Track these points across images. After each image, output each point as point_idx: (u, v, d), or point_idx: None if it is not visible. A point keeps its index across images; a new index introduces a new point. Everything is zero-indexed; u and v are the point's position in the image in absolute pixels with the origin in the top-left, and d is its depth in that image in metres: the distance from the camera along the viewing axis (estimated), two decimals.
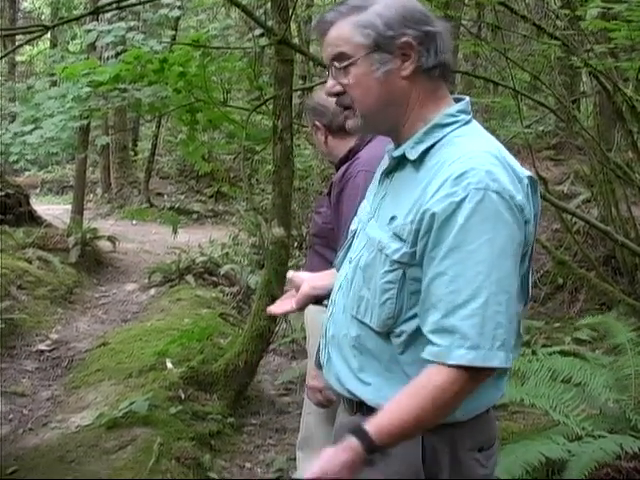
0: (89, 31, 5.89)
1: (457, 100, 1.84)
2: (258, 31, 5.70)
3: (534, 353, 4.34)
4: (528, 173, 1.75)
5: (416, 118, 1.79)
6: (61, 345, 6.49)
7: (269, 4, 5.33)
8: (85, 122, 6.19)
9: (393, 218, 1.75)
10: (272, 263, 5.03)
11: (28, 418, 4.94)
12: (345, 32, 1.76)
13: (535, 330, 6.41)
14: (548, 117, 10.80)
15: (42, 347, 6.37)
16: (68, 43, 18.50)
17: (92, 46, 8.45)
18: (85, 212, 11.34)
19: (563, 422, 3.53)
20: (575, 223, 7.91)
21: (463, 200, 1.62)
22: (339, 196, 3.03)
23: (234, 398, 5.18)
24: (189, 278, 8.37)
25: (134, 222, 13.69)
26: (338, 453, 1.63)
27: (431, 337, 1.65)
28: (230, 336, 6.15)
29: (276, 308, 2.21)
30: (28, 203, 10.12)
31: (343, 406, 1.97)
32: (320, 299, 2.11)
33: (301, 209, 10.02)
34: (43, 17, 21.35)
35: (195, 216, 14.87)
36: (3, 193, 9.33)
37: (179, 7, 6.20)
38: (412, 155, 1.77)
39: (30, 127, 5.32)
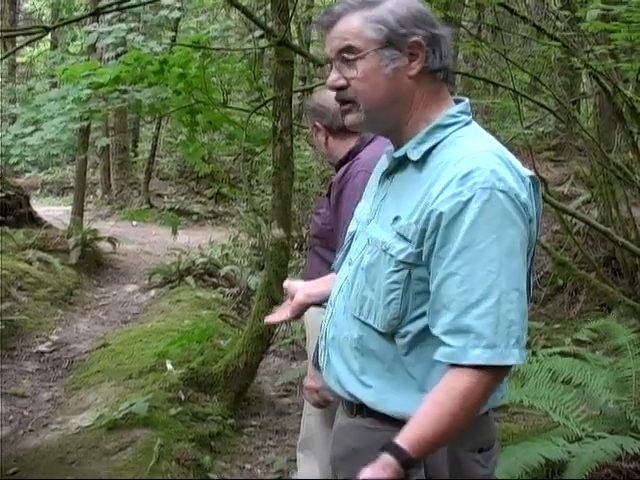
0: (89, 32, 5.89)
1: (457, 101, 1.85)
2: (258, 32, 5.70)
3: (534, 354, 4.33)
4: (530, 173, 1.76)
5: (418, 118, 1.79)
6: (61, 346, 6.49)
7: (269, 5, 5.33)
8: (85, 123, 6.19)
9: (397, 219, 1.75)
10: (272, 264, 5.03)
11: (28, 419, 4.94)
12: (355, 25, 1.76)
13: (535, 331, 6.40)
14: (548, 118, 10.81)
15: (42, 348, 6.37)
16: (68, 44, 18.48)
17: (92, 47, 8.45)
18: (85, 213, 11.35)
19: (563, 423, 3.53)
20: (575, 224, 7.91)
21: (470, 200, 1.63)
22: (338, 197, 3.03)
23: (234, 399, 5.18)
24: (189, 279, 8.37)
25: (134, 223, 13.69)
26: (378, 472, 1.59)
27: (444, 338, 1.65)
28: (230, 337, 6.15)
29: (272, 317, 2.21)
30: (28, 204, 10.12)
31: (342, 408, 1.96)
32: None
33: (301, 210, 10.03)
34: (44, 18, 21.35)
35: (195, 217, 14.87)
36: (3, 194, 9.32)
37: (179, 8, 6.22)
38: (414, 156, 1.77)
39: (30, 129, 5.32)
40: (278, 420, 5.25)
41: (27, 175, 17.31)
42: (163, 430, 4.41)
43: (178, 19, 11.50)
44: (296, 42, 10.82)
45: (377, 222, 1.83)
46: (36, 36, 5.63)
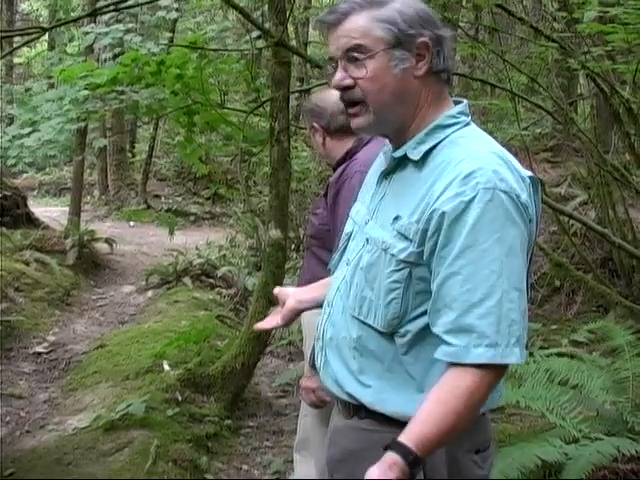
0: (87, 33, 5.89)
1: (456, 102, 1.85)
2: (255, 33, 5.70)
3: (531, 355, 4.33)
4: (529, 173, 1.77)
5: (422, 119, 1.80)
6: (58, 347, 6.48)
7: (266, 6, 5.33)
8: (83, 124, 6.19)
9: (397, 218, 1.75)
10: (269, 265, 5.03)
11: (25, 420, 4.94)
12: (363, 24, 1.75)
13: (532, 332, 6.40)
14: (545, 119, 10.83)
15: (39, 349, 6.36)
16: (66, 45, 18.47)
17: (90, 48, 8.44)
18: (82, 214, 11.33)
19: (560, 424, 3.53)
20: (572, 225, 7.91)
21: (472, 199, 1.64)
22: (335, 197, 3.03)
23: (231, 400, 5.18)
24: (186, 280, 8.37)
25: (131, 224, 13.69)
26: (386, 472, 1.58)
27: (446, 337, 1.65)
28: (227, 338, 6.14)
29: (263, 324, 2.20)
30: (25, 205, 10.12)
31: (337, 409, 1.96)
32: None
33: (298, 211, 10.02)
34: (41, 19, 21.34)
35: (192, 218, 14.86)
36: (1, 195, 9.32)
37: (177, 9, 6.20)
38: (415, 155, 1.78)
39: (28, 130, 5.32)
40: (275, 421, 5.25)
41: (24, 176, 17.29)
42: (160, 431, 4.40)
43: (176, 20, 11.48)
44: (293, 43, 10.84)
45: (376, 222, 1.83)
46: (33, 37, 5.64)
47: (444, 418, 1.61)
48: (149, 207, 15.17)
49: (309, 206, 9.64)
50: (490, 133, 1.83)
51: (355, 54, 1.75)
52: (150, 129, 16.11)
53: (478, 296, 1.63)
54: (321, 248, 3.13)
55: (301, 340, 4.17)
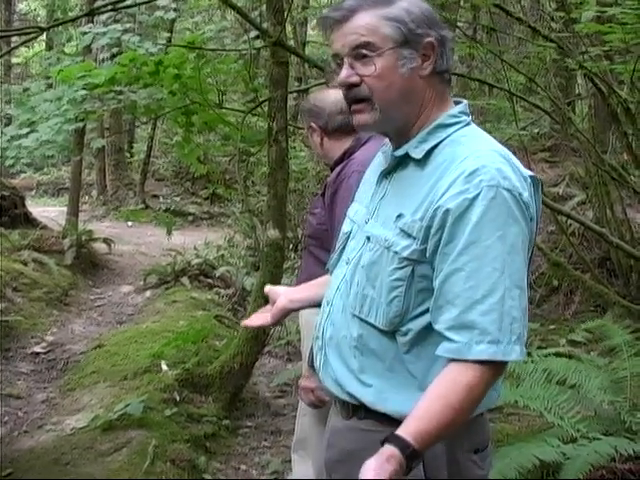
0: (85, 33, 5.89)
1: (456, 103, 1.86)
2: (253, 33, 5.70)
3: (529, 355, 4.33)
4: (530, 173, 1.78)
5: (425, 118, 1.81)
6: (56, 347, 6.48)
7: (264, 6, 5.33)
8: (81, 124, 6.19)
9: (400, 216, 1.75)
10: (267, 265, 5.03)
11: (23, 420, 4.93)
12: (372, 22, 1.74)
13: (530, 332, 6.40)
14: (543, 119, 10.82)
15: (37, 349, 6.36)
16: (64, 45, 18.47)
17: (88, 48, 8.44)
18: (80, 214, 11.33)
19: (558, 424, 3.53)
20: (570, 225, 7.91)
21: (476, 197, 1.65)
22: (333, 197, 3.03)
23: (229, 400, 5.18)
24: (184, 280, 8.36)
25: (130, 224, 13.69)
26: (383, 464, 1.57)
27: (448, 334, 1.66)
28: (225, 338, 6.14)
29: (250, 321, 2.19)
30: (23, 205, 10.11)
31: (335, 410, 1.96)
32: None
33: (297, 211, 10.02)
34: (39, 19, 21.34)
35: (190, 218, 14.87)
36: None
37: (175, 9, 6.20)
38: (417, 154, 1.78)
39: (26, 130, 5.32)
40: (273, 421, 5.25)
41: (22, 176, 17.29)
42: (158, 431, 4.40)
43: (174, 20, 11.51)
44: (292, 43, 10.85)
45: (377, 220, 1.83)
46: (31, 36, 5.64)
47: (443, 413, 1.62)
48: (147, 207, 15.17)
49: (307, 206, 9.64)
50: (488, 133, 1.84)
51: (364, 51, 1.75)
52: (148, 129, 16.10)
53: (481, 293, 1.63)
54: (319, 248, 3.13)
55: (299, 340, 4.17)
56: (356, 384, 1.82)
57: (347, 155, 3.12)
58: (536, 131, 11.73)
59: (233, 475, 4.44)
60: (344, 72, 1.78)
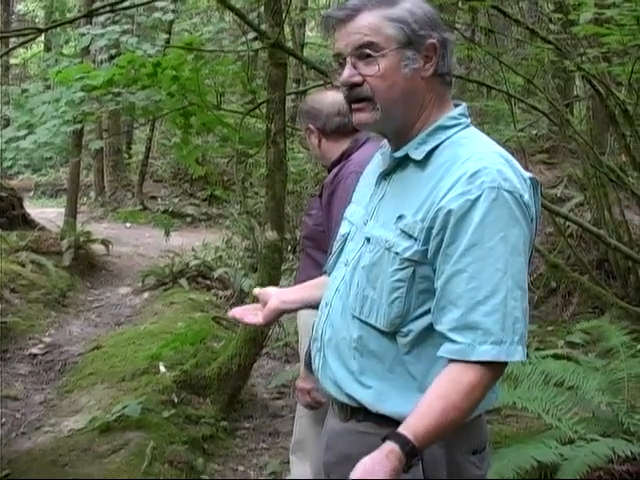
0: (83, 34, 5.88)
1: (455, 105, 1.86)
2: (252, 34, 5.69)
3: (527, 356, 4.33)
4: (530, 174, 1.78)
5: (425, 120, 1.81)
6: (54, 349, 6.48)
7: (263, 8, 5.33)
8: (79, 126, 6.18)
9: (400, 217, 1.75)
10: (265, 266, 5.03)
11: (21, 422, 4.93)
12: (375, 22, 1.74)
13: (528, 333, 6.37)
14: (541, 121, 10.83)
15: (35, 351, 6.35)
16: (62, 46, 18.48)
17: (86, 50, 8.44)
18: (79, 215, 11.32)
19: (556, 425, 3.53)
20: (568, 226, 7.92)
21: (478, 198, 1.65)
22: (330, 198, 3.03)
23: (227, 402, 5.18)
24: (182, 281, 8.37)
25: (128, 225, 13.68)
26: (383, 461, 1.57)
27: (451, 335, 1.66)
28: (223, 340, 6.14)
29: (239, 314, 2.12)
30: (22, 206, 10.11)
31: (332, 412, 1.95)
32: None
33: (295, 212, 10.03)
34: (37, 20, 21.33)
35: (189, 219, 14.87)
36: None
37: (173, 10, 6.20)
38: (417, 155, 1.78)
39: (24, 132, 5.31)
40: (271, 422, 5.25)
41: (20, 177, 17.28)
42: (156, 432, 4.40)
43: (172, 21, 11.49)
44: (290, 44, 10.85)
45: (376, 221, 1.83)
46: (29, 37, 5.63)
47: (443, 412, 1.62)
48: (145, 208, 15.16)
49: (305, 207, 9.63)
50: (486, 134, 1.84)
51: (367, 51, 1.74)
52: (146, 130, 16.09)
53: (483, 294, 1.64)
54: (315, 249, 3.13)
55: (297, 341, 4.17)
56: (355, 385, 1.81)
57: (345, 156, 3.12)
58: (534, 133, 11.74)
59: (231, 476, 4.44)
60: (347, 72, 1.78)
